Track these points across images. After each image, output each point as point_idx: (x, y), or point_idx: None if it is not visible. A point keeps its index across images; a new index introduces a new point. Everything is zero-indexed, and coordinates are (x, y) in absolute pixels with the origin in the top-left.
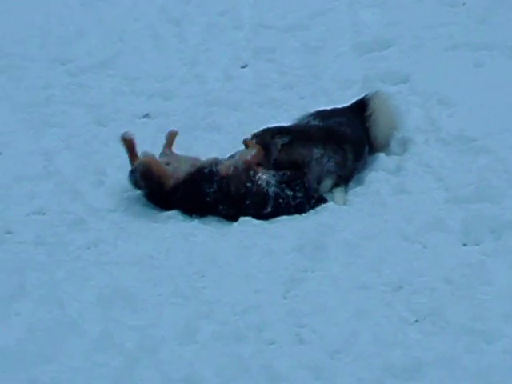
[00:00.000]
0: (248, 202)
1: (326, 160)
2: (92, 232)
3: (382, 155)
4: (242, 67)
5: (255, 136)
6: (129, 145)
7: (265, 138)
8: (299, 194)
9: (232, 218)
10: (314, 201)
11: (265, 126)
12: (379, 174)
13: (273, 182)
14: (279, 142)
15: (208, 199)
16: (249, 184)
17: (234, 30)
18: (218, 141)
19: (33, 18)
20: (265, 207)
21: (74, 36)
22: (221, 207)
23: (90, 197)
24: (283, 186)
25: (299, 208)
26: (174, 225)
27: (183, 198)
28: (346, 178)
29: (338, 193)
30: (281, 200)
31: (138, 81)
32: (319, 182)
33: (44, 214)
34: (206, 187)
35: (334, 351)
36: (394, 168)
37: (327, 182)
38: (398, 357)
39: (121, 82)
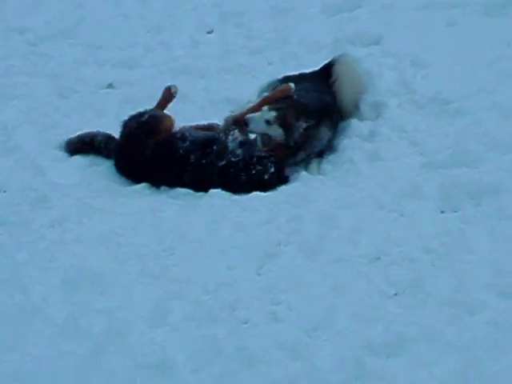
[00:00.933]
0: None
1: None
2: (55, 209)
3: (354, 121)
4: (208, 32)
5: (279, 109)
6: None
7: (288, 119)
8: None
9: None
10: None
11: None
12: (352, 140)
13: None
14: (303, 125)
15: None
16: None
17: None
18: (183, 110)
19: None
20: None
21: (32, 4)
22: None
23: (52, 172)
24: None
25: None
26: (140, 200)
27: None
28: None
29: (313, 163)
30: (233, 159)
31: (101, 49)
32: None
33: (4, 191)
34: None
35: (311, 329)
36: (367, 134)
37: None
38: (379, 333)
39: (83, 51)
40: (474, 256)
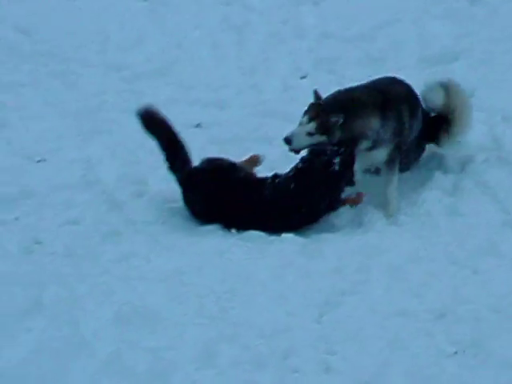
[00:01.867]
0: None
1: (384, 130)
2: (125, 245)
3: (437, 173)
4: (302, 78)
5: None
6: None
7: (322, 122)
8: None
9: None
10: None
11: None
12: (433, 193)
13: None
14: (337, 121)
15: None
16: None
17: (295, 40)
18: (268, 153)
19: (93, 23)
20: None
21: (133, 42)
22: None
23: (127, 208)
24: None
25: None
26: (211, 240)
27: None
28: (402, 143)
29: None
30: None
31: (193, 89)
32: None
33: (78, 224)
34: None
35: (363, 383)
36: (449, 187)
37: (382, 152)
38: None
39: (176, 90)
40: None
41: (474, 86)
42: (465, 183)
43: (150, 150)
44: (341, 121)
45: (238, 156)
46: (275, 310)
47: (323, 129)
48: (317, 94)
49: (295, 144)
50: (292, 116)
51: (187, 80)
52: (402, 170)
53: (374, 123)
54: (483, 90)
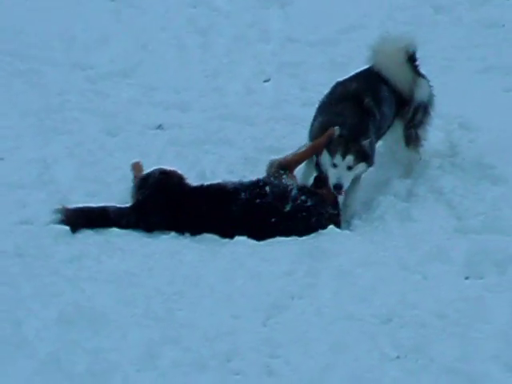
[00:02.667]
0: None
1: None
2: (77, 246)
3: (393, 179)
4: (265, 81)
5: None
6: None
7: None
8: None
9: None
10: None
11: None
12: (387, 198)
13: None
14: (366, 143)
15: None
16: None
17: (260, 43)
18: (227, 156)
19: (58, 22)
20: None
21: (98, 42)
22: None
23: None
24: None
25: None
26: (164, 242)
27: None
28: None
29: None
30: (299, 201)
31: (157, 91)
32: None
33: (31, 223)
34: None
35: None
36: (403, 193)
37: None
38: None
39: (139, 92)
40: (489, 326)
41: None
42: (419, 189)
43: (110, 150)
44: (367, 141)
45: (197, 158)
46: (221, 313)
47: (362, 156)
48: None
49: (345, 185)
50: (253, 119)
51: (151, 81)
52: None
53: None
54: (442, 97)
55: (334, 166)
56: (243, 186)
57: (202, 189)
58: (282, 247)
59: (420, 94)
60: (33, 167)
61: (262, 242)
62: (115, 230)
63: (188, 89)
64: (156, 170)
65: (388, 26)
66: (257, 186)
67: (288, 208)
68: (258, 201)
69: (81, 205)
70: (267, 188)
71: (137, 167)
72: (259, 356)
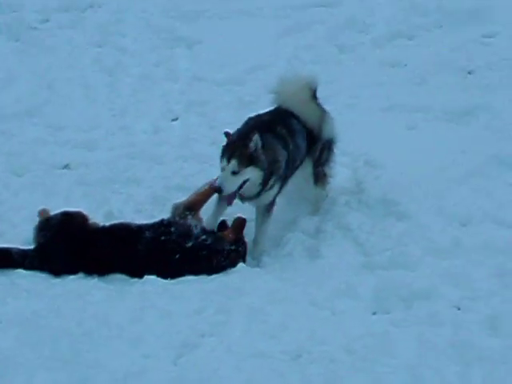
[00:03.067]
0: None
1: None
2: None
3: (301, 216)
4: (173, 120)
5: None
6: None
7: (244, 153)
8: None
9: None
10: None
11: None
12: (295, 235)
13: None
14: (255, 144)
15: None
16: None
17: (168, 82)
18: (135, 195)
19: None
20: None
21: (3, 83)
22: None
23: None
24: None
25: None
26: (71, 282)
27: None
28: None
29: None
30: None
31: (63, 130)
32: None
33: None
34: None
35: None
36: (312, 230)
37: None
38: None
39: (45, 131)
40: (396, 360)
41: (339, 130)
42: (327, 225)
43: (16, 190)
44: (259, 143)
45: (104, 197)
46: (131, 353)
47: (249, 160)
48: (228, 135)
49: (227, 189)
50: (162, 158)
51: (57, 121)
52: None
53: (282, 150)
54: (348, 134)
55: (222, 169)
56: (147, 225)
57: (105, 229)
58: (192, 285)
59: (327, 131)
60: None
61: (171, 281)
62: (21, 271)
63: (95, 127)
64: (59, 212)
65: (294, 65)
66: (161, 224)
67: (190, 244)
68: (162, 238)
69: None
70: (171, 227)
71: (43, 214)
72: None
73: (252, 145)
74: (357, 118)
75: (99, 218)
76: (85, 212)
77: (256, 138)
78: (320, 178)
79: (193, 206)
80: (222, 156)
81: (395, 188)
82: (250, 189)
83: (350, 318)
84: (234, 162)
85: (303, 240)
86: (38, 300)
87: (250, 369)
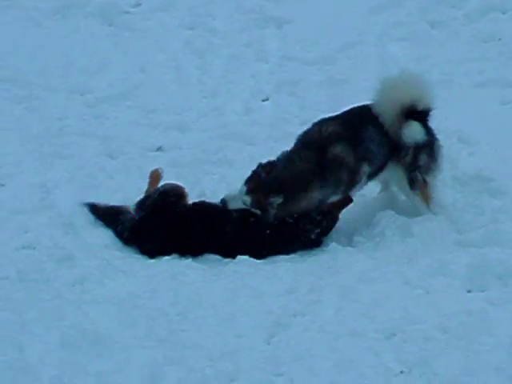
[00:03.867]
0: None
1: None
2: (80, 269)
3: (391, 193)
4: (263, 100)
5: (249, 191)
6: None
7: (259, 199)
8: None
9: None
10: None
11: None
12: (387, 213)
13: None
14: (275, 201)
15: None
16: None
17: (258, 62)
18: (227, 176)
19: (56, 48)
20: None
21: (97, 67)
22: None
23: (84, 232)
24: None
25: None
26: (165, 263)
27: None
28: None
29: None
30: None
31: (156, 113)
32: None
33: (34, 248)
34: None
35: None
36: (404, 208)
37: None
38: None
39: (138, 114)
40: (492, 338)
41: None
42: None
43: (110, 173)
44: (279, 201)
45: (196, 178)
46: (225, 332)
47: (258, 205)
48: (262, 167)
49: (231, 207)
50: (253, 138)
51: (150, 104)
52: None
53: (314, 198)
54: (441, 111)
55: (239, 191)
56: None
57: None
58: (284, 265)
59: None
60: (34, 192)
61: (263, 261)
62: (117, 252)
63: (187, 110)
64: (158, 188)
65: (384, 43)
66: None
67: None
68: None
69: None
70: None
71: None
72: (263, 374)
73: (272, 200)
74: (450, 95)
75: (192, 199)
76: (184, 188)
77: (274, 199)
78: (417, 183)
79: None
80: (247, 182)
81: (489, 164)
82: None
83: (444, 296)
84: (249, 199)
85: (395, 218)
86: (133, 280)
87: (343, 348)
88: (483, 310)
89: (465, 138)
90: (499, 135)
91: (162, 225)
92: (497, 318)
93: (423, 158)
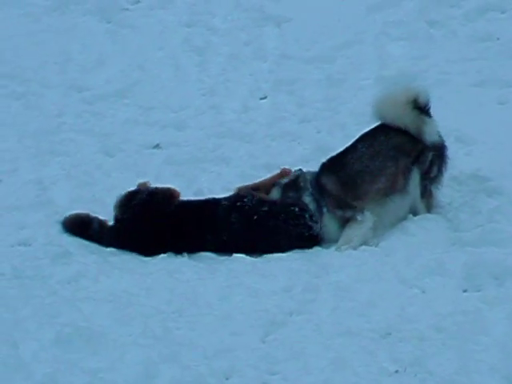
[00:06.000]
0: None
1: None
2: (75, 266)
3: None
4: (261, 99)
5: None
6: None
7: None
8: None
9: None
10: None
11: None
12: None
13: None
14: None
15: None
16: None
17: (256, 61)
18: (224, 174)
19: (54, 44)
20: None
21: (95, 64)
22: None
23: None
24: None
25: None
26: (161, 261)
27: None
28: None
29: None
30: None
31: (153, 110)
32: None
33: (29, 245)
34: None
35: None
36: None
37: None
38: None
39: (135, 112)
40: (487, 338)
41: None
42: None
43: (107, 170)
44: None
45: (194, 176)
46: (220, 331)
47: None
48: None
49: None
50: (250, 137)
51: (147, 101)
52: None
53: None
54: (438, 110)
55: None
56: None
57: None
58: (280, 263)
59: (429, 134)
60: (30, 189)
61: (259, 259)
62: (112, 249)
63: (184, 107)
64: (147, 189)
65: (382, 42)
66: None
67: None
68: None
69: None
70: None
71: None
72: (258, 373)
73: None
74: (447, 94)
75: (189, 197)
76: (176, 189)
77: None
78: (426, 193)
79: (258, 189)
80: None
81: (486, 164)
82: None
83: (440, 295)
84: None
85: None
86: (129, 278)
87: (339, 347)
88: (479, 309)
89: (462, 138)
90: (497, 135)
91: (151, 224)
92: (492, 318)
93: (434, 171)
